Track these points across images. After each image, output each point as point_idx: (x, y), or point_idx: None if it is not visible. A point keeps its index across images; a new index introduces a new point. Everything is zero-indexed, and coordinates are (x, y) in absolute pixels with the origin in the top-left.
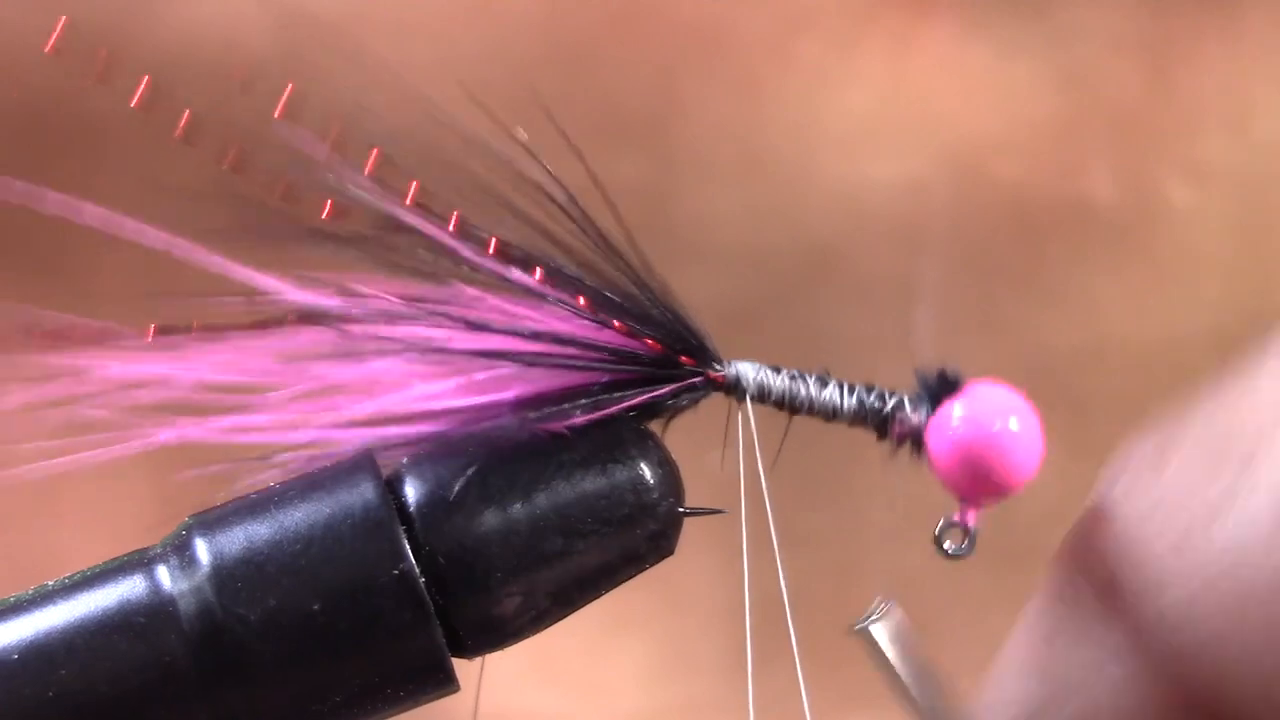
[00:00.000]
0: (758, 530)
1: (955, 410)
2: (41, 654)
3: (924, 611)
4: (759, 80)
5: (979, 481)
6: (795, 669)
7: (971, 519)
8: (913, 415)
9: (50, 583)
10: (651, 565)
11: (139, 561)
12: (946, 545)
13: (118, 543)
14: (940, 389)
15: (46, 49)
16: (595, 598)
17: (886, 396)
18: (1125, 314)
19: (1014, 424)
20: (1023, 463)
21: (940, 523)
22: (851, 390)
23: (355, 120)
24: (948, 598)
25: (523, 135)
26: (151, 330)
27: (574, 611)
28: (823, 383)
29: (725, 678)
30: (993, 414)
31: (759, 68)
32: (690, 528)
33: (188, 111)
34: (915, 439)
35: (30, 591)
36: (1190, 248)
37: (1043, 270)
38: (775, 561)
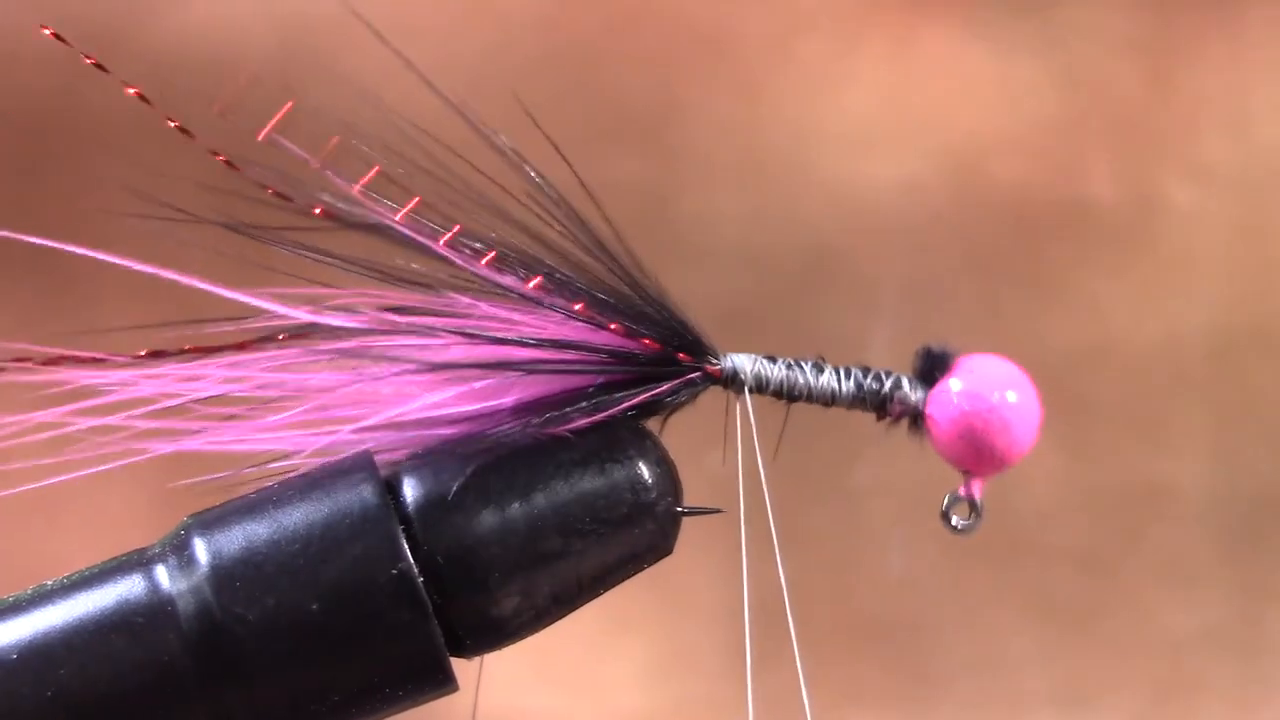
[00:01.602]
0: (758, 529)
1: (953, 385)
2: (40, 654)
3: (924, 611)
4: (759, 80)
5: (982, 453)
6: (795, 668)
7: (977, 491)
8: (911, 393)
9: (49, 582)
10: (650, 565)
11: (137, 561)
12: (954, 521)
13: (116, 543)
14: (935, 365)
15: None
16: (594, 597)
17: (884, 377)
18: (1125, 314)
19: (1012, 394)
20: (1023, 432)
21: (946, 499)
22: (848, 374)
23: (349, 125)
24: (948, 597)
25: (506, 141)
26: (143, 353)
27: (573, 611)
28: (819, 369)
29: (725, 677)
30: (991, 385)
31: (759, 68)
32: (690, 527)
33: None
34: (914, 416)
35: (29, 591)
36: (1190, 248)
37: (1043, 270)
38: (775, 560)
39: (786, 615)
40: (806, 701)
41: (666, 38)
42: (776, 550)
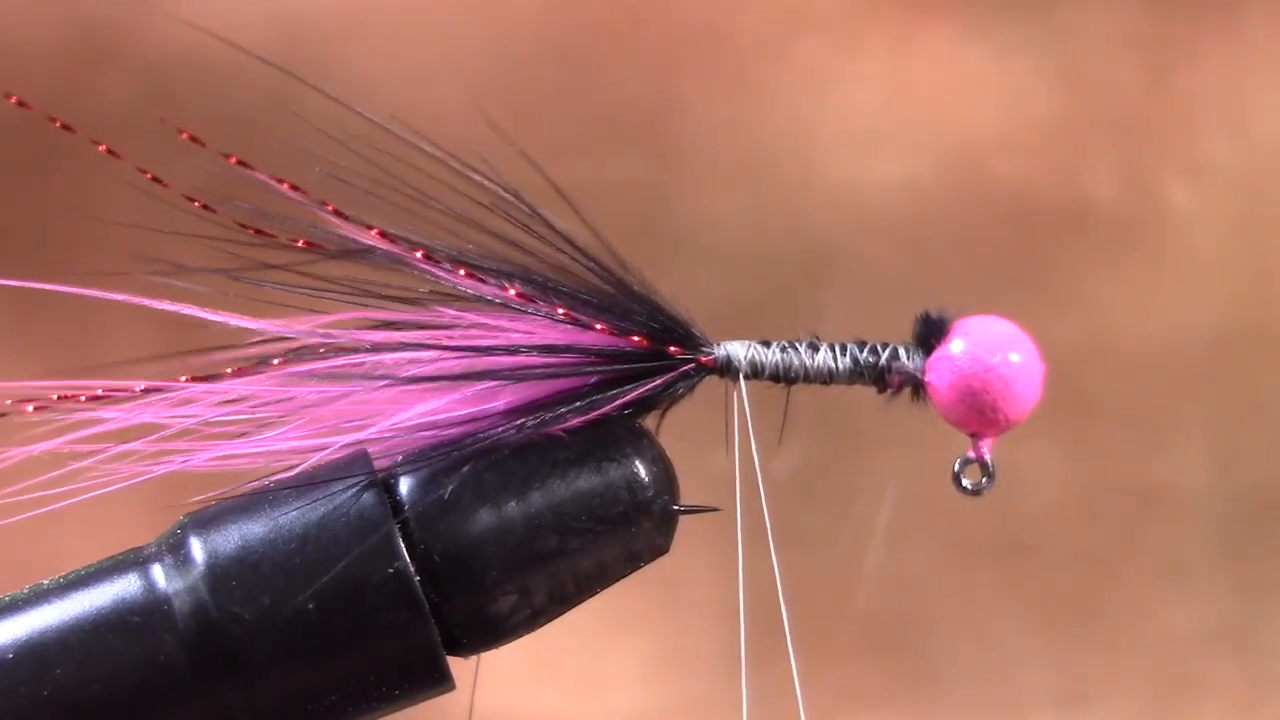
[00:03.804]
0: (755, 528)
1: (954, 346)
2: (36, 653)
3: (924, 611)
4: (759, 80)
5: (985, 414)
6: (792, 667)
7: (986, 452)
8: (908, 362)
9: (45, 581)
10: (646, 564)
11: (134, 560)
12: (966, 483)
13: (114, 542)
14: (932, 331)
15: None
16: (591, 596)
17: (880, 349)
18: (1125, 313)
19: (1011, 353)
20: (1025, 389)
21: (956, 463)
22: (844, 350)
23: (337, 136)
24: (948, 596)
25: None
26: (141, 386)
27: (569, 610)
28: (814, 348)
29: (724, 676)
30: (988, 346)
31: (759, 68)
32: (689, 525)
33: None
34: (914, 384)
35: (25, 590)
36: (1190, 247)
37: (1043, 270)
38: (772, 559)
39: (782, 614)
40: (801, 701)
41: (666, 37)
42: (771, 547)
